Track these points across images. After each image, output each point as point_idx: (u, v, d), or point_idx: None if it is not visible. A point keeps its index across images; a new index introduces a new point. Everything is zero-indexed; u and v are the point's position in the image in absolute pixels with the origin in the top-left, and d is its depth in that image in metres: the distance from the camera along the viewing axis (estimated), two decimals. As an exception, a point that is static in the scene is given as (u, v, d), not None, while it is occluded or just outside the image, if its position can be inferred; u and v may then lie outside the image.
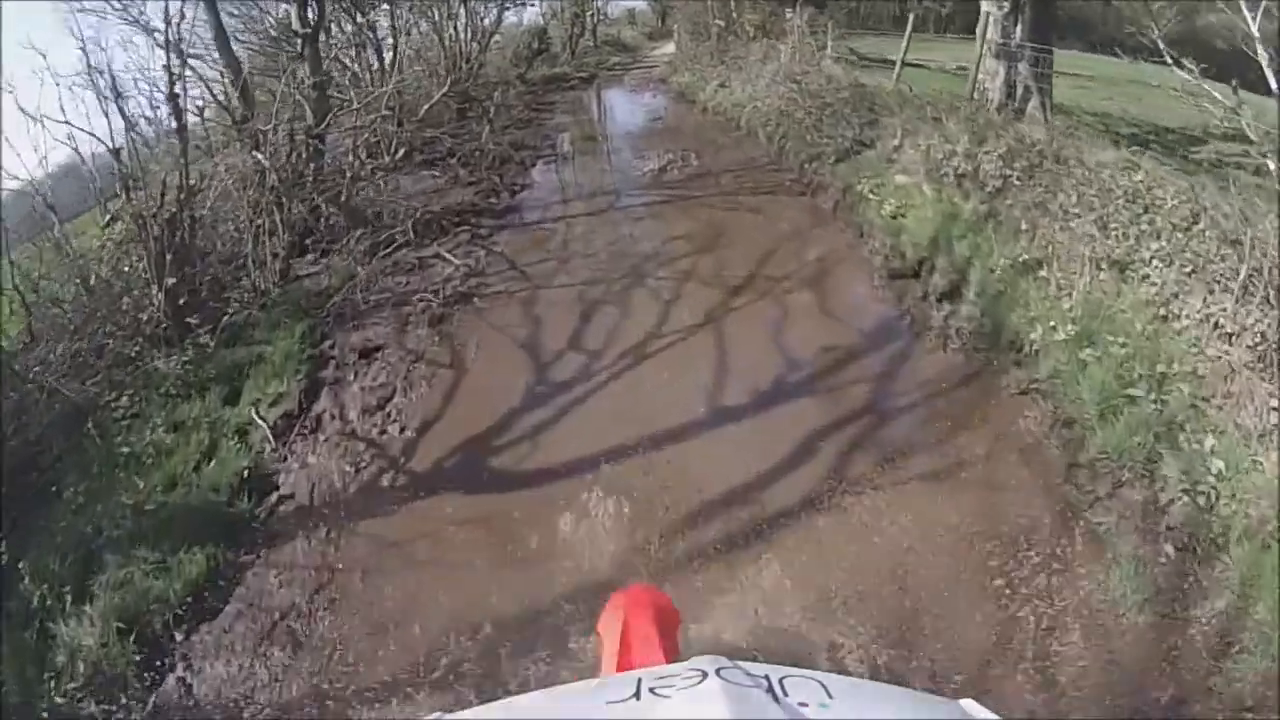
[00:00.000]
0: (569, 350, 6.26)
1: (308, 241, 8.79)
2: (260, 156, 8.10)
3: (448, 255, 8.17)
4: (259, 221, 8.01)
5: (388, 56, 14.13)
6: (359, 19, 12.11)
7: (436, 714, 0.90)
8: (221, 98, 9.01)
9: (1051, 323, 5.68)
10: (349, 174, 9.30)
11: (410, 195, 10.52)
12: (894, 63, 16.34)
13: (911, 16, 12.08)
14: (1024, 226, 7.03)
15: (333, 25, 11.85)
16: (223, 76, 8.97)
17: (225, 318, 7.04)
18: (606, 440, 5.00)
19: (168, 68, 7.88)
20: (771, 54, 16.81)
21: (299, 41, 9.05)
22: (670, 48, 31.61)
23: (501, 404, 5.64)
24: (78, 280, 7.04)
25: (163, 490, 5.08)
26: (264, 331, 7.03)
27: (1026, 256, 6.57)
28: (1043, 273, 6.34)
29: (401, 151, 12.04)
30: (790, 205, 9.01)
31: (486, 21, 17.91)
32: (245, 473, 5.25)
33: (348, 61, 11.95)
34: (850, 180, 9.02)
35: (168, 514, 4.80)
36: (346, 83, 11.22)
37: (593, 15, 26.87)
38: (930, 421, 5.07)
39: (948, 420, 5.02)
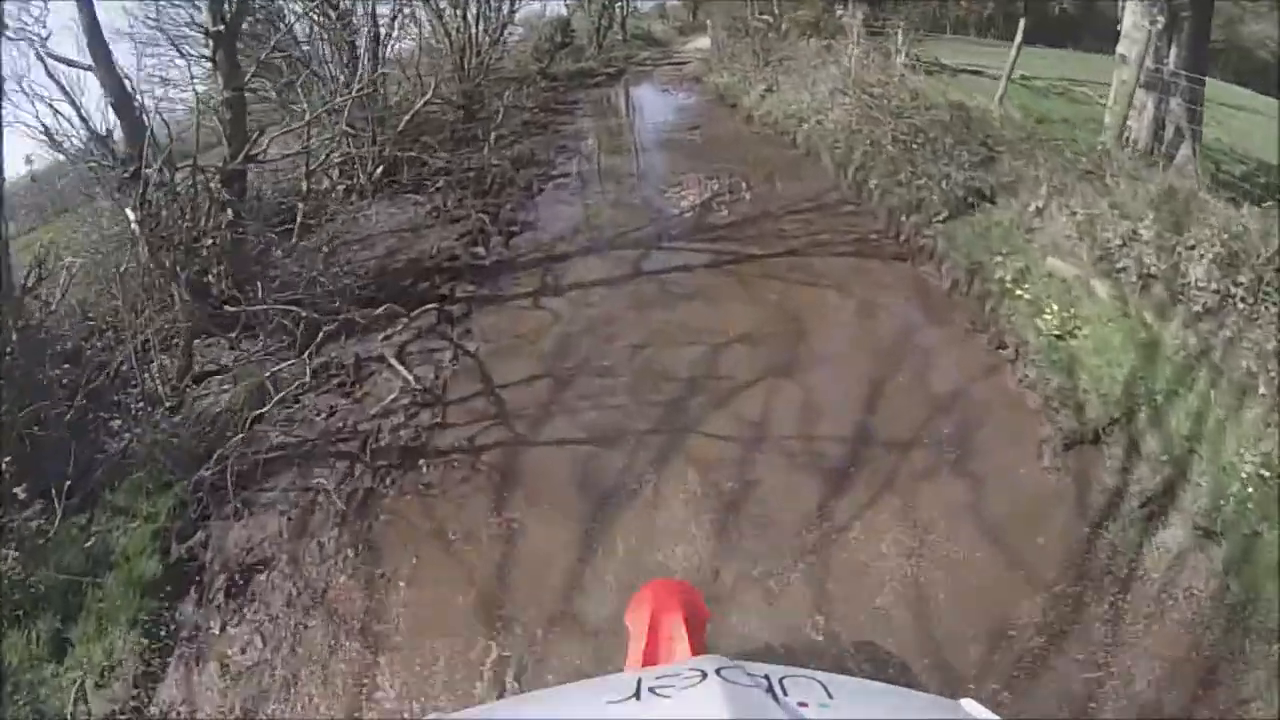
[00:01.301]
0: (560, 613, 3.27)
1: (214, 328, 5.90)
2: (133, 216, 5.21)
3: (395, 362, 5.25)
4: (137, 315, 5.16)
5: (384, 52, 11.15)
6: (331, 10, 9.09)
7: (436, 714, 0.87)
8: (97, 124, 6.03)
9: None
10: (288, 222, 6.42)
11: (373, 237, 7.63)
12: (970, 71, 13.18)
13: (1023, 21, 8.83)
14: (1261, 389, 4.08)
15: (290, 16, 8.84)
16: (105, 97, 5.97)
17: (74, 480, 4.18)
18: None
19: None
20: (827, 56, 13.63)
21: (209, 43, 6.10)
22: (703, 43, 28.27)
23: None
24: None
25: None
26: (129, 498, 4.22)
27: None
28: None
29: (380, 170, 9.13)
30: (889, 278, 6.03)
31: (503, 10, 14.76)
32: None
33: (315, 65, 8.93)
34: (975, 251, 5.99)
35: None
36: (299, 91, 8.22)
37: (622, 7, 23.52)
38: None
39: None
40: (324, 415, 4.92)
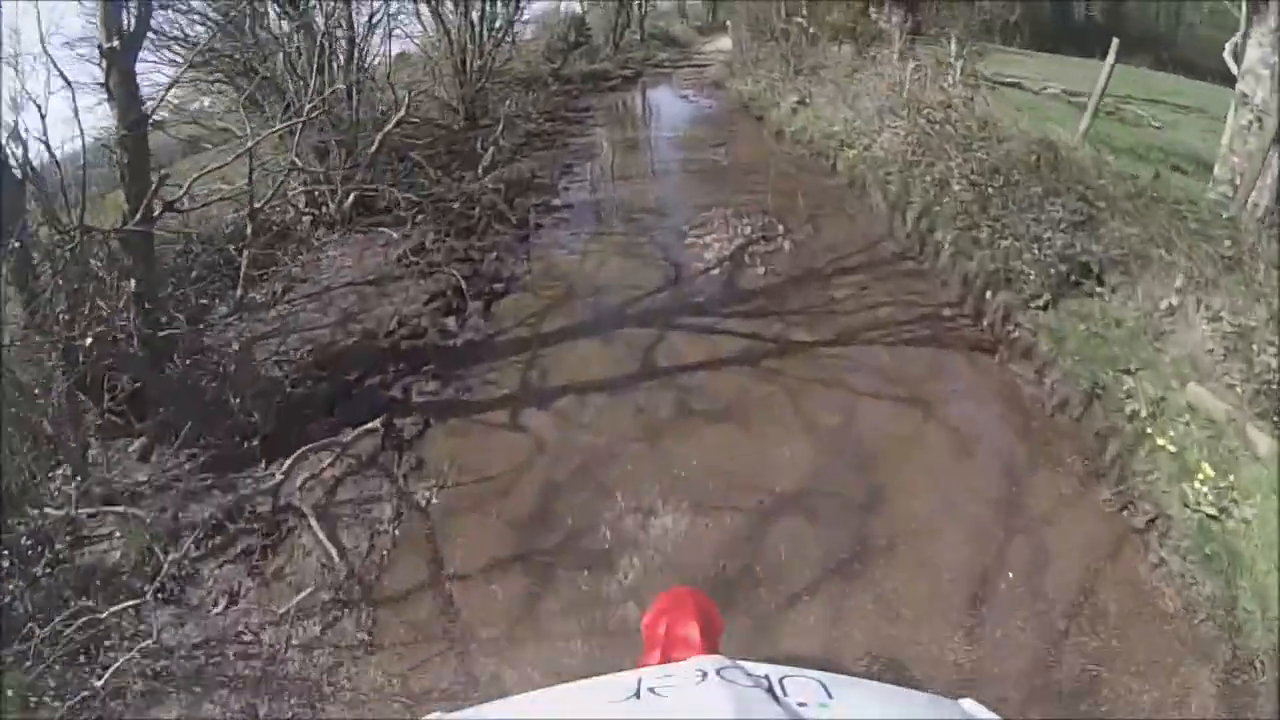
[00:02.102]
0: None
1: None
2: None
3: (315, 524, 3.58)
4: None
5: (363, 58, 9.45)
6: (292, 8, 7.38)
7: (436, 714, 0.79)
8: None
9: None
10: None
11: (330, 292, 5.99)
12: (1007, 83, 11.30)
13: (1116, 41, 6.99)
14: None
15: (251, 20, 7.13)
16: None
17: None
18: None
19: None
20: (865, 66, 11.80)
21: (103, 62, 4.40)
22: (723, 43, 26.33)
23: None
24: None
25: None
26: None
27: None
28: None
29: (350, 198, 7.46)
30: (975, 384, 4.39)
31: (509, 8, 12.98)
32: None
33: (277, 77, 7.23)
34: (1088, 355, 4.28)
35: None
36: (245, 110, 6.54)
37: (640, 5, 21.60)
38: None
39: None
40: (222, 603, 3.31)
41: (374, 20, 8.28)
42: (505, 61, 15.09)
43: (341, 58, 8.10)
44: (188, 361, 4.78)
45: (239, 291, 6.14)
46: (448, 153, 10.43)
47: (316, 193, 7.57)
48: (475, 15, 12.77)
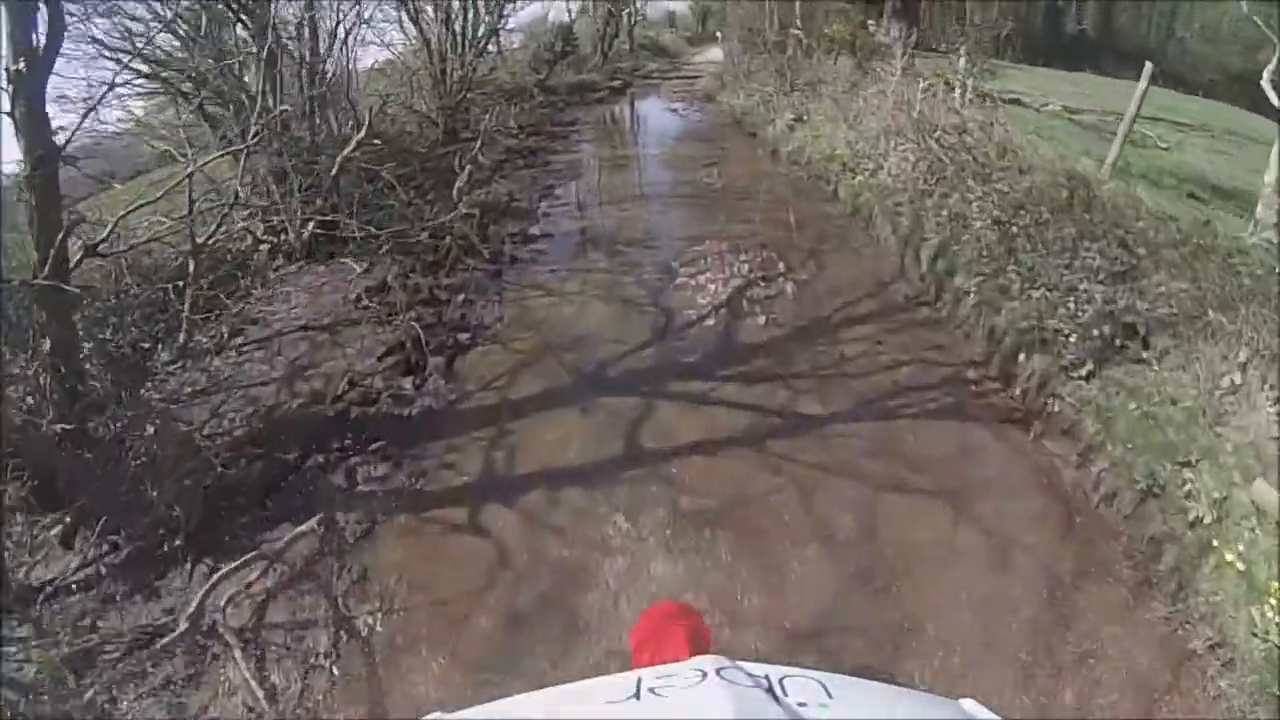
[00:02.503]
0: None
1: None
2: None
3: (239, 656, 2.81)
4: None
5: (343, 71, 8.64)
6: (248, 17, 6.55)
7: (436, 713, 0.78)
8: None
9: None
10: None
11: (279, 339, 5.20)
12: (1007, 100, 10.66)
13: (1150, 66, 6.32)
14: None
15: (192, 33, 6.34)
16: None
17: None
18: None
19: None
20: (867, 82, 11.13)
21: (8, 87, 3.57)
22: (712, 54, 25.64)
23: None
24: None
25: None
26: None
27: None
28: None
29: (311, 225, 6.66)
30: (1008, 467, 3.72)
31: (490, 16, 12.21)
32: None
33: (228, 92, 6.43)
34: (1139, 438, 3.59)
35: None
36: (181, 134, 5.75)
37: (630, 15, 20.87)
38: None
39: None
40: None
41: (338, 27, 7.45)
42: (489, 71, 14.33)
43: (303, 71, 7.29)
44: (114, 431, 4.00)
45: (182, 337, 5.35)
46: (423, 170, 9.64)
47: (276, 220, 6.77)
48: (457, 24, 12.01)
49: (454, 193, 8.14)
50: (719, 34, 28.53)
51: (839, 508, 3.44)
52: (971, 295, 5.18)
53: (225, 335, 5.50)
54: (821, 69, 12.45)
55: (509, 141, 10.62)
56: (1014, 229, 5.55)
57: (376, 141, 8.31)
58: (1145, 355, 4.24)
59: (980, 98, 8.16)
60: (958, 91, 8.86)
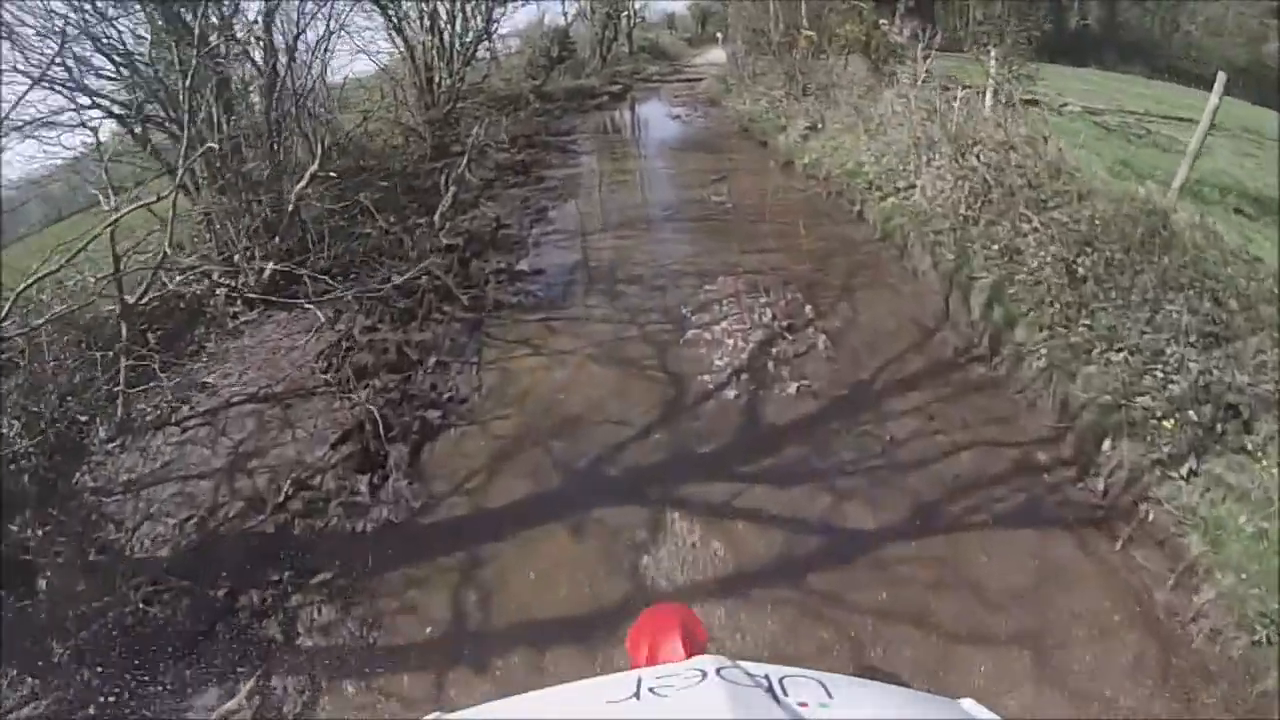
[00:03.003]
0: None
1: None
2: None
3: None
4: None
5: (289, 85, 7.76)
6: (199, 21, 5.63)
7: (436, 713, 0.79)
8: None
9: None
10: None
11: (222, 414, 4.33)
12: (1037, 103, 9.71)
13: (1223, 77, 5.34)
14: None
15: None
16: None
17: None
18: None
19: None
20: (883, 86, 10.19)
21: None
22: (713, 55, 24.62)
23: None
24: None
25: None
26: None
27: None
28: None
29: (270, 267, 5.78)
30: (1101, 602, 2.82)
31: (477, 21, 11.29)
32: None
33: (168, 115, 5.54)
34: (1259, 577, 2.69)
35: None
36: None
37: (629, 17, 19.91)
38: None
39: None
40: None
41: (297, 40, 6.54)
42: (482, 79, 13.42)
43: (268, 89, 6.40)
44: (36, 536, 3.15)
45: (119, 411, 4.48)
46: (408, 189, 8.76)
47: (236, 257, 5.90)
48: (445, 31, 11.09)
49: (436, 218, 7.25)
50: (719, 35, 27.59)
51: (902, 667, 2.56)
52: (1039, 358, 4.27)
53: (169, 407, 4.63)
54: (835, 72, 11.51)
55: (500, 156, 9.70)
56: (1080, 270, 4.64)
57: (350, 162, 7.44)
58: (1249, 444, 3.35)
59: (1020, 105, 7.20)
60: (988, 97, 7.93)
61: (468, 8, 11.04)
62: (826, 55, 12.11)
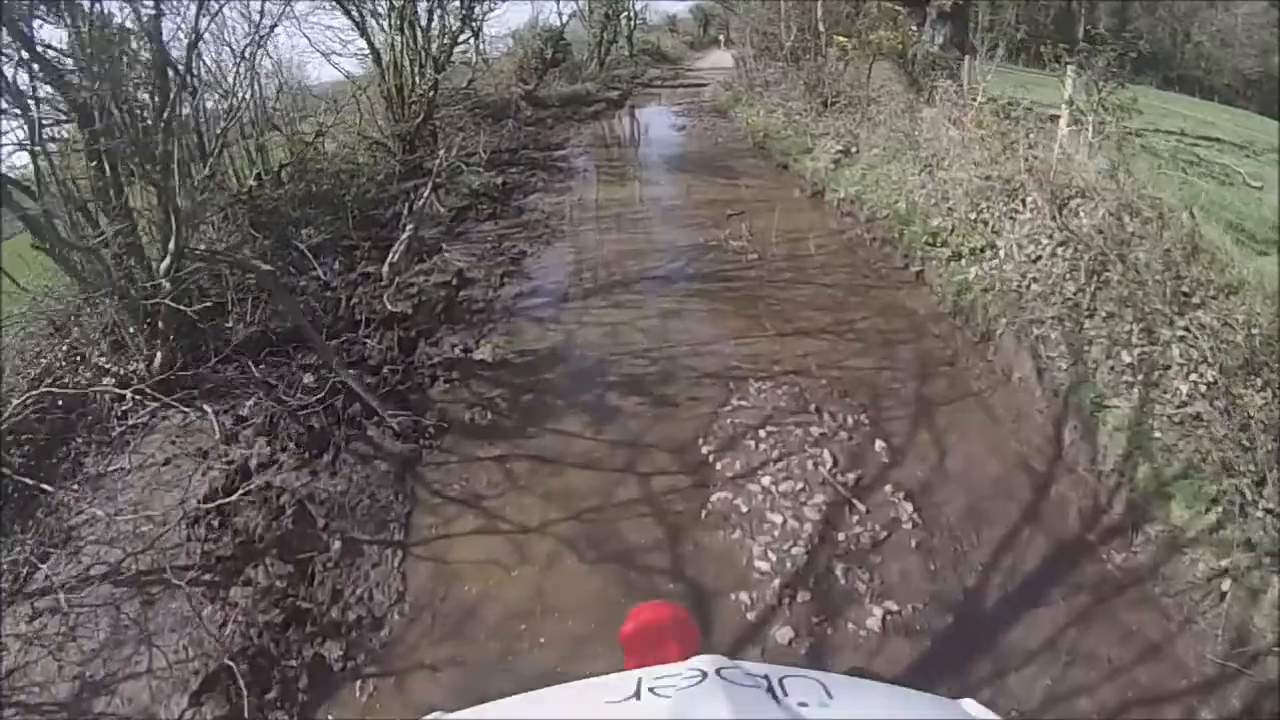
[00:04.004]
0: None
1: None
2: None
3: None
4: None
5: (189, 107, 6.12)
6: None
7: (436, 713, 0.78)
8: None
9: None
10: None
11: (87, 580, 2.74)
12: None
13: None
14: None
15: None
16: None
17: None
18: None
19: None
20: (922, 102, 8.56)
21: None
22: (716, 58, 22.87)
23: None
24: None
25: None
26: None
27: None
28: None
29: (158, 357, 4.14)
30: None
31: (449, 21, 9.58)
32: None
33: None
34: None
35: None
36: None
37: (629, 18, 18.16)
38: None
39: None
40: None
41: (196, 36, 4.84)
42: (467, 83, 11.72)
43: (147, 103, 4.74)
44: None
45: None
46: (364, 222, 7.11)
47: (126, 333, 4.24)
48: (420, 29, 9.39)
49: (386, 269, 5.59)
50: (721, 38, 25.89)
51: None
52: (1202, 553, 2.69)
53: (21, 573, 3.03)
54: (864, 82, 9.87)
55: (476, 178, 8.02)
56: (1251, 412, 3.05)
57: (296, 189, 5.81)
58: None
59: (1117, 143, 5.57)
60: (1062, 124, 6.31)
61: (444, 3, 9.32)
62: (847, 64, 10.47)
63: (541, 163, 9.83)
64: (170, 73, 4.73)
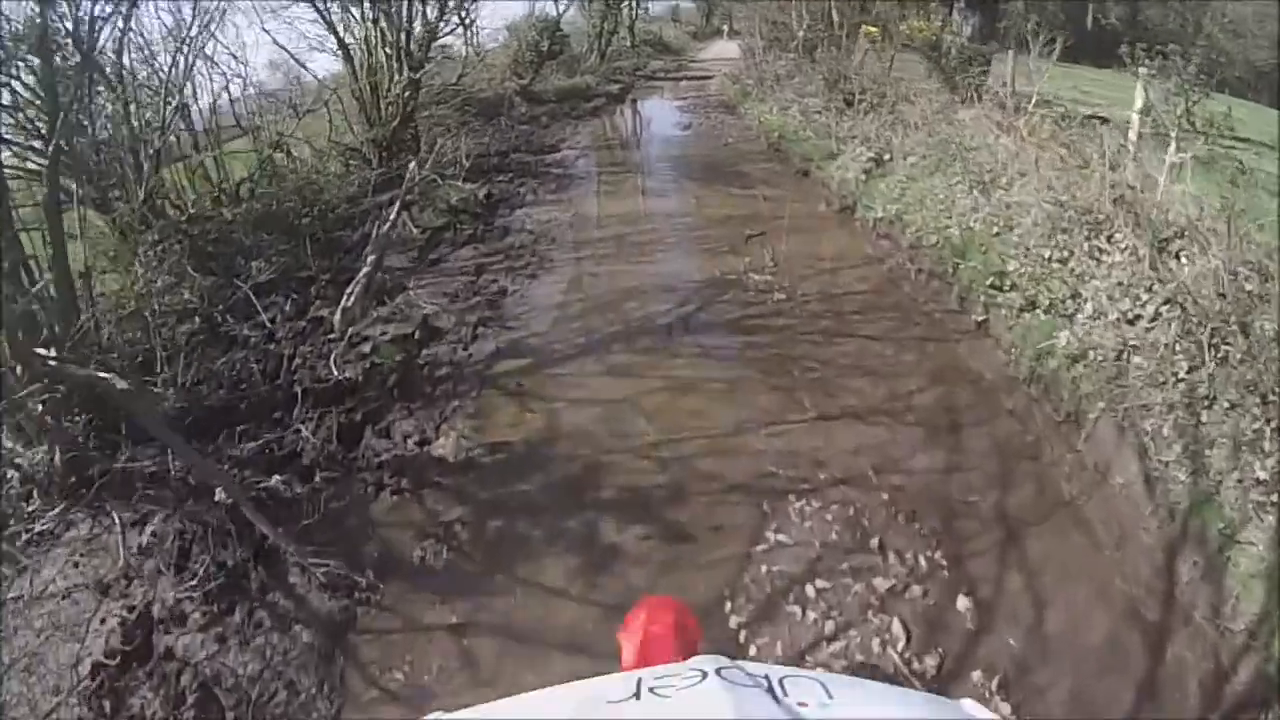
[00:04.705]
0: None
1: None
2: None
3: None
4: None
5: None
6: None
7: (436, 713, 0.73)
8: None
9: None
10: None
11: None
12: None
13: None
14: None
15: None
16: None
17: None
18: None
19: None
20: (958, 103, 7.54)
21: None
22: (719, 48, 21.67)
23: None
24: None
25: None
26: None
27: None
28: None
29: (57, 454, 3.18)
30: None
31: (426, 12, 8.52)
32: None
33: None
34: None
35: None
36: None
37: (630, 8, 17.00)
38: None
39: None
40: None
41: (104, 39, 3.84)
42: (457, 78, 10.69)
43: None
44: None
45: None
46: (326, 249, 6.15)
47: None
48: (396, 20, 8.33)
49: (338, 317, 4.63)
50: (724, 29, 24.62)
51: None
52: None
53: None
54: (890, 79, 8.82)
55: (455, 191, 7.03)
56: None
57: (252, 208, 4.84)
58: None
59: (1225, 173, 4.55)
60: (1132, 134, 5.30)
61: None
62: (865, 56, 9.40)
63: (533, 168, 8.83)
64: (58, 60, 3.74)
